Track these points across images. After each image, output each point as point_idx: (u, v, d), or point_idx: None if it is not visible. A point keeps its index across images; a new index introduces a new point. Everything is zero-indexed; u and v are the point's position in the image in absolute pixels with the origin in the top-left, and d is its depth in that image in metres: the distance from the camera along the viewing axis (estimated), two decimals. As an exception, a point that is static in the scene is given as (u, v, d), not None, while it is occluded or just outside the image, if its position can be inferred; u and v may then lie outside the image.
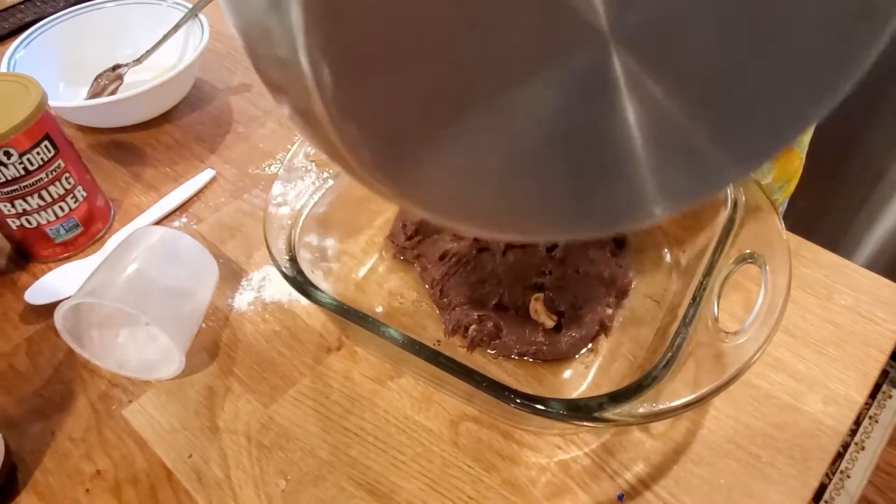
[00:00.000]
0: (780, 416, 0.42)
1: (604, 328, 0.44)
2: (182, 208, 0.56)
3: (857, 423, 1.41)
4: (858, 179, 1.13)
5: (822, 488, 1.28)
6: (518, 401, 0.34)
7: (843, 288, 0.48)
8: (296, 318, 0.48)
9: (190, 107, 0.66)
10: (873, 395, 1.44)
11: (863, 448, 1.33)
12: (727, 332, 0.37)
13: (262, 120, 0.64)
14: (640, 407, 0.34)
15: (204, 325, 0.47)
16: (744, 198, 0.43)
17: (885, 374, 1.53)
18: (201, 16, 0.65)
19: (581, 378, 0.43)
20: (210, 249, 0.52)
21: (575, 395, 0.43)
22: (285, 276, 0.40)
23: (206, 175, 0.58)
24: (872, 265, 1.22)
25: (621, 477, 0.39)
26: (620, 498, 0.39)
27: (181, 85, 0.64)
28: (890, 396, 1.42)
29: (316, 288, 0.40)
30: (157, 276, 0.44)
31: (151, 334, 0.46)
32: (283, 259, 0.42)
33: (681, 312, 0.39)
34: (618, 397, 0.34)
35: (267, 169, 0.59)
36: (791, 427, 0.41)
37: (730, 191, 0.44)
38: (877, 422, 1.38)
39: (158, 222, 0.55)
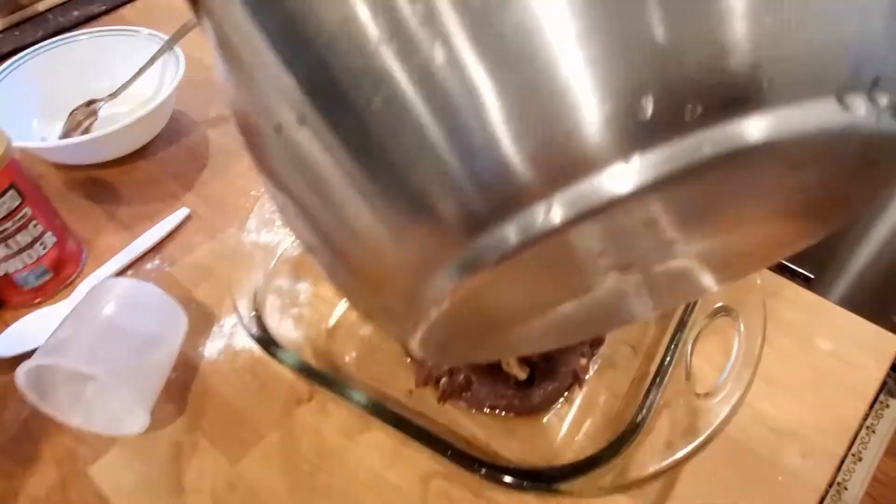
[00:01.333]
0: (757, 472, 0.41)
1: (577, 379, 0.43)
2: (155, 249, 0.55)
3: (855, 433, 1.40)
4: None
5: (819, 501, 1.27)
6: (482, 471, 0.33)
7: (824, 331, 0.47)
8: (267, 367, 0.47)
9: (166, 140, 0.65)
10: (870, 405, 1.43)
11: (860, 459, 1.32)
12: (699, 394, 0.36)
13: (240, 154, 0.63)
14: (608, 475, 0.33)
15: (173, 374, 0.47)
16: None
17: (882, 383, 1.52)
18: (177, 48, 0.64)
19: (555, 430, 0.43)
20: (182, 294, 0.51)
21: (548, 449, 0.42)
22: (250, 335, 0.40)
23: (180, 214, 0.57)
24: (852, 298, 1.20)
25: (594, 538, 0.39)
26: (592, 561, 0.38)
27: (157, 119, 0.63)
28: (887, 406, 1.41)
29: (278, 346, 0.39)
30: (123, 331, 0.43)
31: (114, 389, 0.45)
32: (248, 316, 0.41)
33: (654, 365, 0.39)
34: (582, 467, 0.33)
35: (243, 206, 0.58)
36: (768, 483, 0.40)
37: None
38: (874, 432, 1.37)
39: (131, 265, 0.54)
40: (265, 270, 0.45)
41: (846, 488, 1.27)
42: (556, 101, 0.16)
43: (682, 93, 0.16)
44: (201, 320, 0.50)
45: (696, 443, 0.34)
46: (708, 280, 0.27)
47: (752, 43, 0.16)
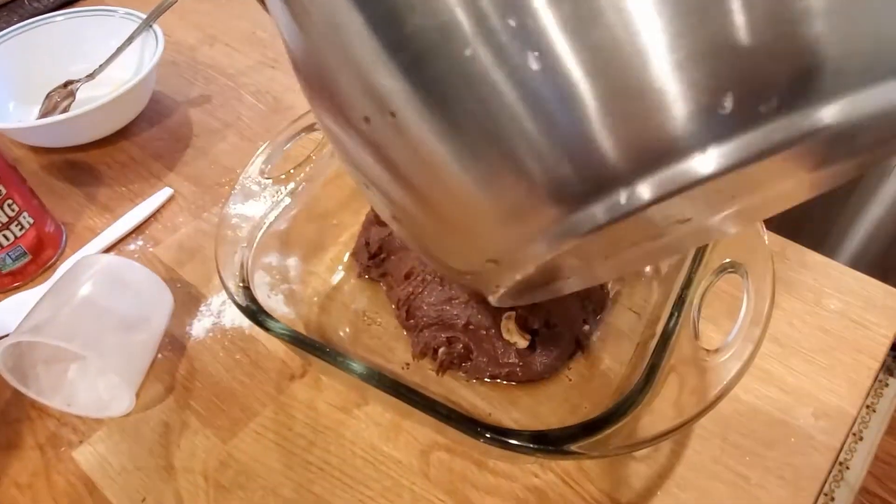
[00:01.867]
0: (769, 433, 0.39)
1: (580, 346, 0.42)
2: (138, 230, 0.53)
3: (867, 392, 1.39)
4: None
5: (819, 490, 1.26)
6: (486, 435, 0.32)
7: (832, 291, 0.46)
8: (257, 345, 0.45)
9: (147, 122, 0.63)
10: (867, 391, 1.43)
11: (861, 438, 1.31)
12: (708, 350, 0.34)
13: (223, 133, 0.61)
14: (617, 436, 0.32)
15: (160, 355, 0.45)
16: (723, 202, 0.41)
17: (879, 369, 1.52)
18: (156, 26, 0.62)
19: (558, 400, 0.41)
20: (167, 274, 0.50)
21: (552, 417, 0.40)
22: (237, 304, 0.38)
23: (163, 194, 0.55)
24: (859, 259, 1.20)
25: (602, 505, 0.37)
26: (602, 529, 0.36)
27: (136, 99, 0.61)
28: (886, 385, 1.40)
29: (269, 317, 0.37)
30: (105, 309, 0.41)
31: (100, 369, 0.43)
32: (235, 286, 0.39)
33: (660, 327, 0.37)
34: (590, 428, 0.31)
35: (227, 185, 0.57)
36: (781, 444, 0.39)
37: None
38: (874, 411, 1.36)
39: (113, 246, 0.52)
40: (251, 244, 0.43)
41: (848, 468, 1.26)
42: (648, 101, 0.18)
43: (758, 91, 0.18)
44: (188, 300, 0.48)
45: (706, 401, 0.32)
46: (735, 225, 0.30)
47: (823, 43, 0.18)
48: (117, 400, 0.42)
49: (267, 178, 0.45)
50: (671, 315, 0.36)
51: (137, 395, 0.41)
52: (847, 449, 1.29)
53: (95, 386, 0.43)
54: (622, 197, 0.20)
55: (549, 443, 0.31)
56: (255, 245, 0.42)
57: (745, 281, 0.37)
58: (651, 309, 0.44)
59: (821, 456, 0.38)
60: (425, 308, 0.42)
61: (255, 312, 0.37)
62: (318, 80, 0.25)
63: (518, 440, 0.31)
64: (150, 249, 0.52)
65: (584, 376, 0.42)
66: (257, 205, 0.44)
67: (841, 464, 1.27)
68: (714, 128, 0.18)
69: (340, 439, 0.40)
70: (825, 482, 0.38)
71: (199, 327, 0.47)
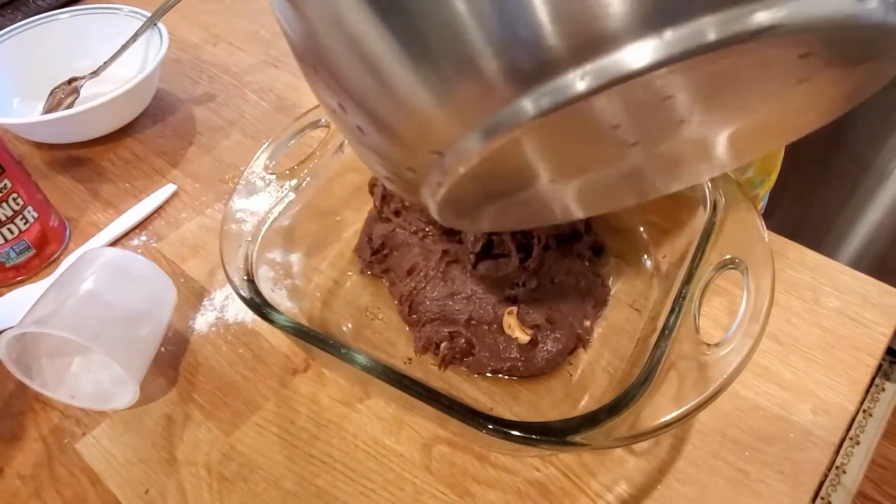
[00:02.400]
0: (768, 429, 0.40)
1: (581, 341, 0.42)
2: (141, 226, 0.54)
3: (866, 389, 1.40)
4: (842, 173, 1.12)
5: (818, 485, 1.27)
6: (489, 426, 0.32)
7: (830, 290, 0.46)
8: (260, 340, 0.45)
9: (151, 119, 0.63)
10: (866, 388, 1.43)
11: (858, 443, 1.31)
12: (709, 344, 0.35)
13: (227, 131, 0.62)
14: (619, 428, 0.32)
15: (162, 349, 0.45)
16: (723, 199, 0.41)
17: (877, 366, 1.53)
18: (160, 24, 0.63)
19: (559, 395, 0.41)
20: (170, 268, 0.50)
21: (554, 412, 0.41)
22: (241, 297, 0.38)
23: (166, 190, 0.56)
24: (858, 260, 1.21)
25: (603, 499, 0.37)
26: (602, 522, 0.36)
27: (140, 97, 0.61)
28: (883, 390, 1.41)
29: (273, 309, 0.37)
30: (109, 301, 0.41)
31: (106, 362, 0.43)
32: (240, 279, 0.39)
33: (661, 322, 0.37)
34: (593, 419, 0.32)
35: (231, 182, 0.57)
36: (780, 440, 0.39)
37: (708, 192, 0.42)
38: (871, 415, 1.36)
39: (116, 241, 0.52)
40: (256, 239, 0.43)
41: (845, 472, 1.27)
42: None
43: None
44: (191, 294, 0.48)
45: (707, 393, 0.33)
46: (714, 161, 0.31)
47: None
48: (121, 393, 0.42)
49: (271, 174, 0.46)
50: (672, 310, 0.36)
51: (141, 388, 0.41)
52: (844, 453, 1.29)
53: (99, 379, 0.43)
54: (560, 84, 0.20)
55: (551, 434, 0.31)
56: (259, 240, 0.42)
57: (745, 277, 0.37)
58: (651, 306, 0.44)
59: (819, 451, 0.39)
60: (428, 303, 0.43)
61: (259, 305, 0.37)
62: None
63: (520, 431, 0.31)
64: (154, 245, 0.52)
65: (585, 372, 0.42)
66: (261, 200, 0.44)
67: (838, 468, 1.27)
68: (654, 16, 0.19)
69: (343, 433, 0.41)
70: (824, 477, 0.39)
71: (202, 322, 0.47)
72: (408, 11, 0.21)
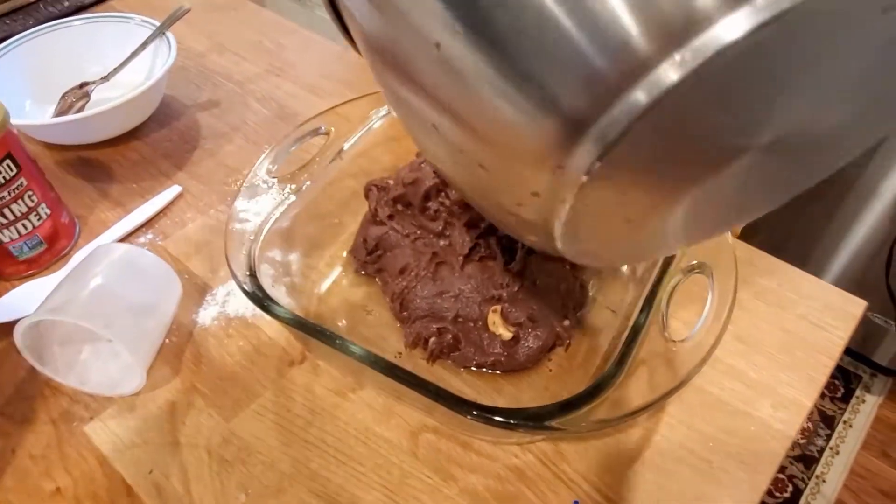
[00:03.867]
0: (731, 422, 0.43)
1: (561, 339, 0.45)
2: (148, 224, 0.56)
3: (832, 427, 1.43)
4: (827, 191, 1.15)
5: (797, 493, 1.30)
6: (473, 412, 0.35)
7: (794, 296, 0.50)
8: (259, 333, 0.48)
9: (158, 123, 0.66)
10: (846, 398, 1.46)
11: (837, 452, 1.34)
12: (675, 341, 0.38)
13: (230, 136, 0.65)
14: (593, 414, 0.35)
15: (167, 340, 0.48)
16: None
17: (858, 378, 1.56)
18: (169, 34, 0.66)
19: (539, 389, 0.44)
20: (175, 265, 0.53)
21: (533, 403, 0.43)
22: (244, 291, 0.41)
23: (172, 191, 0.58)
24: (842, 277, 1.24)
25: (577, 484, 0.40)
26: (575, 505, 0.39)
27: (148, 102, 0.64)
28: (863, 401, 1.44)
29: (274, 302, 0.40)
30: (120, 293, 0.44)
31: (114, 350, 0.46)
32: (243, 274, 0.42)
33: (632, 321, 0.40)
34: (568, 406, 0.35)
35: (234, 185, 0.60)
36: (742, 432, 0.42)
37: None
38: (851, 426, 1.40)
39: (124, 238, 0.55)
40: (258, 238, 0.46)
41: (825, 481, 1.30)
42: None
43: None
44: (194, 289, 0.51)
45: (674, 383, 0.36)
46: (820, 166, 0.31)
47: None
48: (128, 380, 0.44)
49: (273, 178, 0.49)
50: (642, 310, 0.40)
51: (147, 376, 0.44)
52: (824, 463, 1.32)
53: (107, 366, 0.46)
54: (659, 76, 0.20)
55: (530, 418, 0.34)
56: (261, 239, 0.45)
57: (711, 280, 0.40)
58: (626, 308, 0.47)
59: (777, 443, 0.42)
60: (418, 301, 0.46)
61: (261, 298, 0.40)
62: (389, 35, 0.28)
63: (501, 416, 0.34)
64: (160, 242, 0.55)
65: (564, 368, 0.45)
66: (264, 202, 0.47)
67: (818, 477, 1.30)
68: None
69: (336, 420, 0.43)
70: (803, 484, 0.41)
71: (205, 315, 0.50)
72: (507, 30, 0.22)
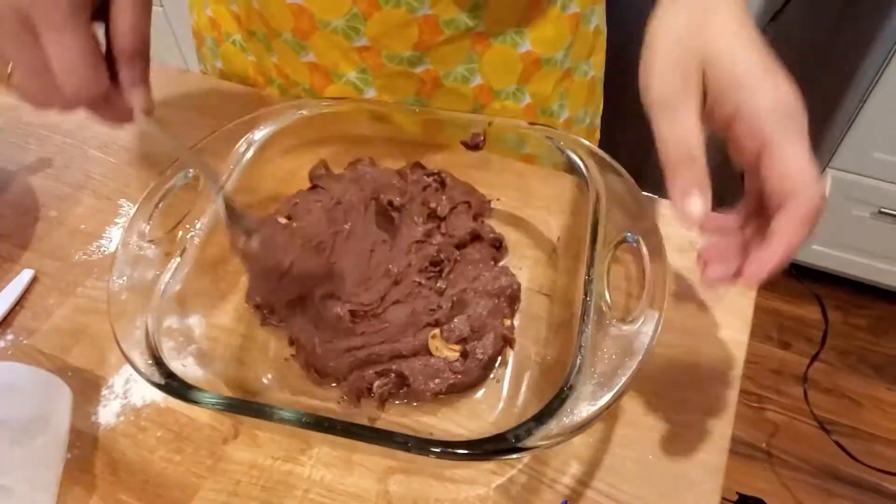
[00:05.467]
0: (683, 377, 0.43)
1: (507, 340, 0.43)
2: (4, 323, 0.48)
3: (746, 348, 1.57)
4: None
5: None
6: (445, 451, 0.32)
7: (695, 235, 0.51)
8: (177, 416, 0.42)
9: (-19, 200, 0.56)
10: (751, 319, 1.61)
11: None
12: (624, 321, 0.37)
13: (76, 197, 0.56)
14: (564, 419, 0.34)
15: (69, 454, 0.41)
16: (594, 167, 0.44)
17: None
18: (-34, 92, 0.55)
19: (496, 394, 0.43)
20: (53, 364, 0.45)
21: (495, 412, 0.42)
22: (156, 385, 0.35)
23: (23, 277, 0.50)
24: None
25: (560, 483, 0.39)
26: (565, 505, 0.38)
27: (-37, 178, 0.54)
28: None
29: (196, 389, 0.35)
30: (-5, 423, 0.37)
31: (4, 489, 0.39)
32: (145, 363, 0.36)
33: (577, 308, 0.39)
34: (542, 417, 0.33)
35: (96, 254, 0.52)
36: (695, 383, 0.43)
37: (584, 167, 0.45)
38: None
39: (-22, 348, 0.46)
40: (151, 312, 0.40)
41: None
42: None
43: None
44: (85, 387, 0.44)
45: (633, 366, 0.35)
46: None
47: None
48: (33, 518, 0.37)
49: (149, 241, 0.42)
50: (585, 294, 0.38)
51: (57, 506, 0.37)
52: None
53: (2, 510, 0.38)
54: None
55: (504, 443, 0.32)
56: (154, 315, 0.39)
57: (640, 247, 0.40)
58: (561, 291, 0.46)
59: (728, 384, 0.43)
60: (332, 365, 0.42)
61: (178, 388, 0.35)
62: None
63: (473, 449, 0.32)
64: (25, 342, 0.47)
65: (516, 368, 0.44)
66: (145, 271, 0.41)
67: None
68: None
69: (294, 490, 0.39)
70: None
71: (107, 413, 0.43)
72: None
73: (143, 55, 0.37)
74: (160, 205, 0.44)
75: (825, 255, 1.49)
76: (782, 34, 1.13)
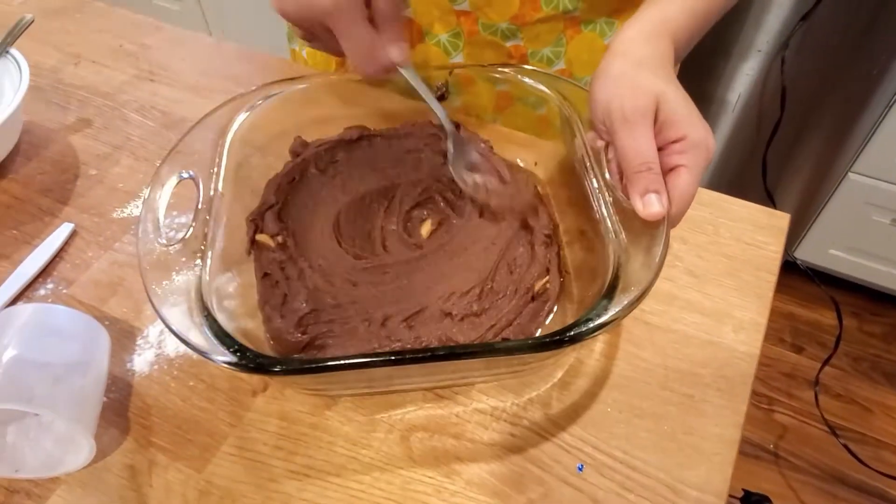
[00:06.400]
0: (701, 354, 0.44)
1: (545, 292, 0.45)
2: (45, 273, 0.50)
3: (765, 329, 1.57)
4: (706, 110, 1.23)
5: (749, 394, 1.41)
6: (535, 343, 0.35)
7: (725, 220, 0.52)
8: (209, 367, 0.44)
9: (24, 156, 0.58)
10: (771, 301, 1.60)
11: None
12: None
13: (115, 157, 0.58)
14: (626, 297, 0.36)
15: (106, 398, 0.43)
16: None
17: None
18: (13, 51, 0.57)
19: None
20: (90, 313, 0.47)
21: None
22: (233, 364, 0.35)
23: (63, 230, 0.52)
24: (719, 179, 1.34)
25: (577, 448, 0.40)
26: (580, 469, 0.39)
27: (6, 134, 0.56)
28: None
29: (264, 356, 0.35)
30: (38, 360, 0.38)
31: (45, 424, 0.40)
32: (182, 324, 0.36)
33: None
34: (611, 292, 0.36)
35: (134, 210, 0.54)
36: (712, 361, 0.44)
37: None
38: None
39: (20, 296, 0.48)
40: (194, 269, 0.40)
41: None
42: None
43: None
44: (121, 336, 0.46)
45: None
46: None
47: None
48: (71, 453, 0.39)
49: (171, 245, 0.40)
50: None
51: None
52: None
53: (41, 444, 0.40)
54: None
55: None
56: (204, 270, 0.40)
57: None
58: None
59: (746, 364, 0.44)
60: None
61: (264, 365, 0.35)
62: None
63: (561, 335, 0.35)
64: (65, 291, 0.48)
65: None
66: (181, 276, 0.40)
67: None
68: None
69: (319, 442, 0.41)
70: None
71: (142, 362, 0.45)
72: None
73: (398, 18, 0.47)
74: (164, 206, 0.42)
75: (843, 261, 1.48)
76: (811, 34, 1.13)
